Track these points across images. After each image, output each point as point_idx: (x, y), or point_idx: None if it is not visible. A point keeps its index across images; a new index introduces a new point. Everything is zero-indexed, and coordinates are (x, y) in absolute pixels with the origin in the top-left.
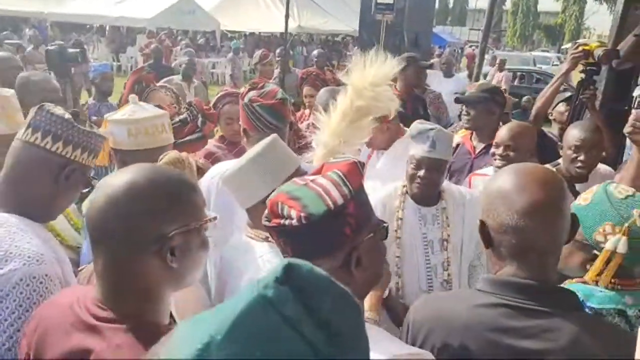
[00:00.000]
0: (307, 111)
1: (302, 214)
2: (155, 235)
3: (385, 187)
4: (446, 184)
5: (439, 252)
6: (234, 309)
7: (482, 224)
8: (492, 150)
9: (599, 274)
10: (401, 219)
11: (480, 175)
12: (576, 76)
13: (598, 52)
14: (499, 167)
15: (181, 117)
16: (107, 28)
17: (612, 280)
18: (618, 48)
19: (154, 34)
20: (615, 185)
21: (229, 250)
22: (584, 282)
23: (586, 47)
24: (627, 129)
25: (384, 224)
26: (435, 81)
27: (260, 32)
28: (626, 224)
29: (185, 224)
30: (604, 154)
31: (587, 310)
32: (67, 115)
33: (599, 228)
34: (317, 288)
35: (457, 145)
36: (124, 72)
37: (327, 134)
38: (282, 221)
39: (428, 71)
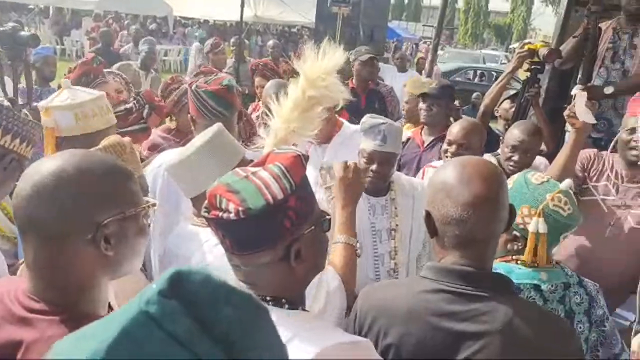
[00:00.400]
0: (260, 102)
1: (240, 208)
2: (86, 223)
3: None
4: (396, 175)
5: (387, 241)
6: (117, 326)
7: (428, 215)
8: (445, 147)
9: (535, 255)
10: None
11: (433, 167)
12: (522, 75)
13: (542, 51)
14: None
15: (127, 105)
16: (51, 9)
17: (532, 257)
18: (560, 48)
19: (100, 17)
20: (532, 173)
21: (173, 239)
22: (507, 261)
23: (531, 47)
24: (566, 112)
25: (327, 216)
26: (389, 76)
27: (215, 20)
28: (540, 207)
29: (120, 210)
30: (544, 148)
31: (516, 288)
32: (6, 103)
33: (518, 211)
34: (212, 299)
35: (408, 139)
36: (68, 56)
37: (279, 123)
38: (220, 214)
39: (383, 65)
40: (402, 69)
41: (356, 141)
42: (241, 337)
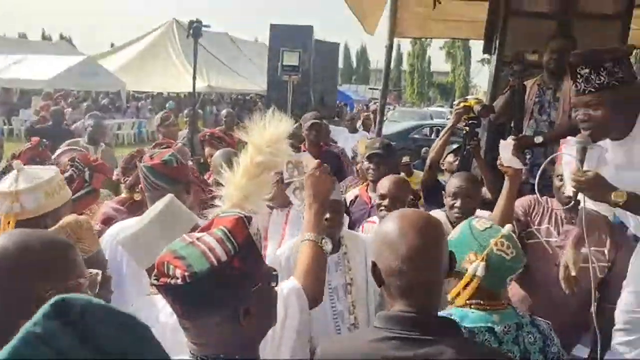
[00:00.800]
0: None
1: (186, 273)
2: (27, 296)
3: (289, 241)
4: (345, 230)
5: (344, 297)
6: (9, 346)
7: (374, 266)
8: (378, 201)
9: (458, 295)
10: None
11: (370, 223)
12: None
13: (476, 108)
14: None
15: (66, 174)
16: None
17: (482, 302)
18: (493, 104)
19: (51, 95)
20: (477, 220)
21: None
22: (462, 306)
23: (466, 104)
24: (498, 162)
25: (274, 272)
26: (342, 137)
27: (168, 92)
28: (485, 252)
29: (62, 281)
30: (488, 196)
31: (462, 330)
32: None
33: (465, 257)
34: (94, 319)
35: (355, 197)
36: (16, 136)
37: (231, 190)
38: (168, 280)
39: (334, 128)
40: (352, 130)
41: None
42: (122, 352)
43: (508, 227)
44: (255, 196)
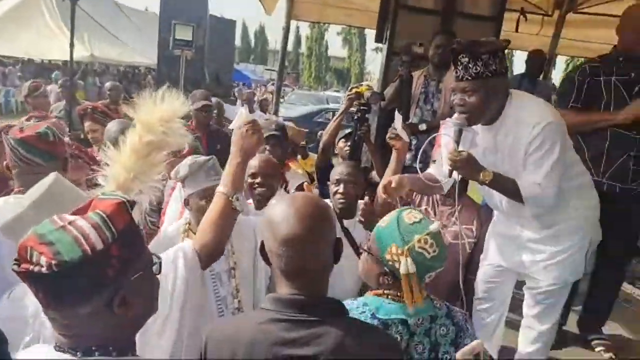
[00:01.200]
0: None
1: (54, 262)
2: None
3: (171, 225)
4: None
5: (227, 282)
6: None
7: (262, 245)
8: (250, 180)
9: (412, 296)
10: None
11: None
12: None
13: (367, 94)
14: (261, 195)
15: None
16: None
17: (398, 294)
18: (384, 92)
19: None
20: (408, 212)
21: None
22: (379, 295)
23: (358, 90)
24: (388, 135)
25: (158, 260)
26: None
27: (43, 60)
28: (406, 247)
29: None
30: (377, 180)
31: (376, 321)
32: None
33: (388, 248)
34: None
35: None
36: None
37: (117, 169)
38: (30, 267)
39: (230, 107)
40: (249, 110)
41: None
42: None
43: (436, 224)
44: (145, 176)
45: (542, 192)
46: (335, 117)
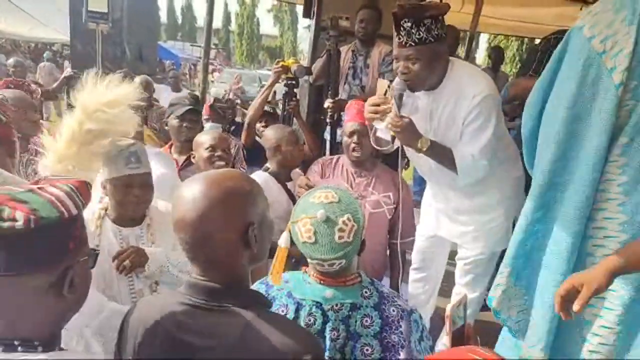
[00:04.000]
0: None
1: (32, 217)
2: None
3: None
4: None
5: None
6: None
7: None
8: (207, 153)
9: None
10: (97, 246)
11: None
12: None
13: (293, 67)
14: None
15: None
16: None
17: (319, 276)
18: (312, 67)
19: None
20: (322, 191)
21: None
22: (305, 271)
23: (284, 64)
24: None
25: (97, 251)
26: (164, 95)
27: None
28: (290, 222)
29: None
30: (309, 153)
31: (292, 300)
32: None
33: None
34: None
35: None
36: None
37: (54, 160)
38: (2, 224)
39: (157, 86)
40: (176, 88)
41: (154, 155)
42: None
43: (322, 212)
44: (85, 167)
45: (475, 164)
46: (261, 92)
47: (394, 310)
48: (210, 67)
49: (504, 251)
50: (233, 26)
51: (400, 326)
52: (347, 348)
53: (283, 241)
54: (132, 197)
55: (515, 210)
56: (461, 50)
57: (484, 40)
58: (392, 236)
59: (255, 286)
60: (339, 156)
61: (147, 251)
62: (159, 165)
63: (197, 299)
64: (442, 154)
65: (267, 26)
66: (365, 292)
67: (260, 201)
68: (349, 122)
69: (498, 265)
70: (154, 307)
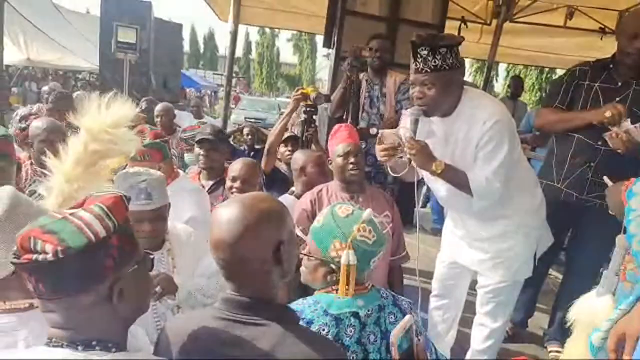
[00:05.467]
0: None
1: (59, 248)
2: None
3: None
4: (171, 225)
5: (166, 297)
6: None
7: None
8: (229, 184)
9: (347, 286)
10: None
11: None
12: None
13: (313, 95)
14: None
15: None
16: None
17: (346, 287)
18: (332, 97)
19: None
20: (339, 206)
21: None
22: (328, 292)
23: (304, 91)
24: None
25: (151, 255)
26: (186, 122)
27: None
28: (349, 240)
29: None
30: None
31: (329, 317)
32: None
33: (331, 246)
34: None
35: None
36: None
37: (61, 181)
38: (34, 257)
39: (180, 112)
40: (198, 115)
41: (188, 194)
42: None
43: (368, 211)
44: (91, 187)
45: (488, 186)
46: (281, 119)
47: (405, 304)
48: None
49: (528, 280)
50: (253, 54)
51: (414, 314)
52: (382, 347)
53: (351, 259)
54: (142, 232)
55: (536, 238)
56: (479, 79)
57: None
58: (391, 254)
59: None
60: (325, 186)
61: (175, 280)
62: (192, 206)
63: (232, 313)
64: (457, 177)
65: (287, 54)
66: (383, 293)
67: (289, 220)
68: (341, 145)
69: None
70: (191, 321)
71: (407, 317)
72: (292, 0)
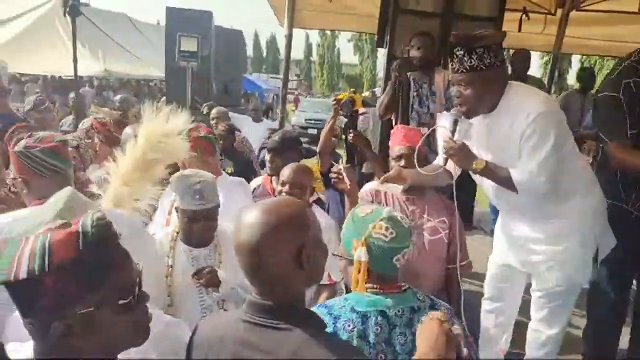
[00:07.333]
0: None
1: None
2: None
3: (159, 233)
4: (220, 222)
5: (213, 292)
6: None
7: None
8: (279, 188)
9: (358, 283)
10: (171, 266)
11: None
12: None
13: (345, 101)
14: None
15: None
16: None
17: (375, 287)
18: (380, 100)
19: None
20: (361, 207)
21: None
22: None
23: (339, 98)
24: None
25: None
26: (246, 126)
27: (60, 77)
28: (363, 238)
29: None
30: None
31: (355, 314)
32: None
33: (352, 245)
34: None
35: (259, 185)
36: None
37: (118, 184)
38: None
39: (239, 117)
40: (257, 119)
41: (234, 193)
42: None
43: (387, 210)
44: (140, 191)
45: (534, 180)
46: (327, 123)
47: (445, 309)
48: (292, 97)
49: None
50: (314, 56)
51: (455, 323)
52: (414, 350)
53: (363, 256)
54: (196, 229)
55: (595, 241)
56: (545, 72)
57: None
58: (449, 262)
59: (316, 308)
60: (383, 186)
61: (219, 274)
62: (241, 196)
63: (256, 317)
64: (500, 174)
65: (348, 55)
66: (419, 296)
67: (313, 226)
68: (396, 147)
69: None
70: (218, 324)
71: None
72: (346, 1)
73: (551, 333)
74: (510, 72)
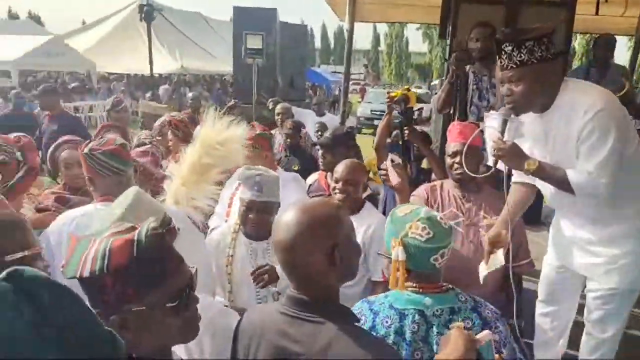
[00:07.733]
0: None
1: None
2: None
3: (225, 225)
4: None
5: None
6: None
7: None
8: (333, 185)
9: (397, 282)
10: (232, 255)
11: None
12: None
13: (396, 99)
14: (340, 200)
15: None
16: None
17: (415, 285)
18: (437, 97)
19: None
20: (400, 207)
21: None
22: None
23: (392, 95)
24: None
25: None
26: (309, 120)
27: (142, 74)
28: (400, 237)
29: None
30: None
31: (393, 311)
32: None
33: (391, 243)
34: (35, 284)
35: (314, 181)
36: None
37: (178, 184)
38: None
39: (302, 110)
40: (320, 113)
41: (287, 189)
42: (56, 312)
43: (425, 209)
44: (199, 192)
45: (592, 181)
46: (383, 119)
47: (489, 312)
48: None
49: None
50: (382, 46)
51: (499, 326)
52: None
53: (400, 255)
54: (249, 219)
55: None
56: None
57: None
58: (506, 260)
59: (359, 303)
60: (441, 182)
61: (277, 270)
62: (298, 189)
63: (292, 309)
64: (553, 174)
65: (416, 43)
66: (461, 297)
67: (346, 225)
68: (451, 143)
69: None
70: (260, 314)
71: (485, 332)
72: None
73: (604, 336)
74: (592, 58)
